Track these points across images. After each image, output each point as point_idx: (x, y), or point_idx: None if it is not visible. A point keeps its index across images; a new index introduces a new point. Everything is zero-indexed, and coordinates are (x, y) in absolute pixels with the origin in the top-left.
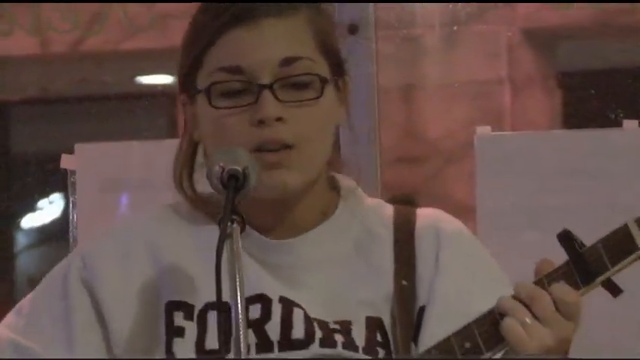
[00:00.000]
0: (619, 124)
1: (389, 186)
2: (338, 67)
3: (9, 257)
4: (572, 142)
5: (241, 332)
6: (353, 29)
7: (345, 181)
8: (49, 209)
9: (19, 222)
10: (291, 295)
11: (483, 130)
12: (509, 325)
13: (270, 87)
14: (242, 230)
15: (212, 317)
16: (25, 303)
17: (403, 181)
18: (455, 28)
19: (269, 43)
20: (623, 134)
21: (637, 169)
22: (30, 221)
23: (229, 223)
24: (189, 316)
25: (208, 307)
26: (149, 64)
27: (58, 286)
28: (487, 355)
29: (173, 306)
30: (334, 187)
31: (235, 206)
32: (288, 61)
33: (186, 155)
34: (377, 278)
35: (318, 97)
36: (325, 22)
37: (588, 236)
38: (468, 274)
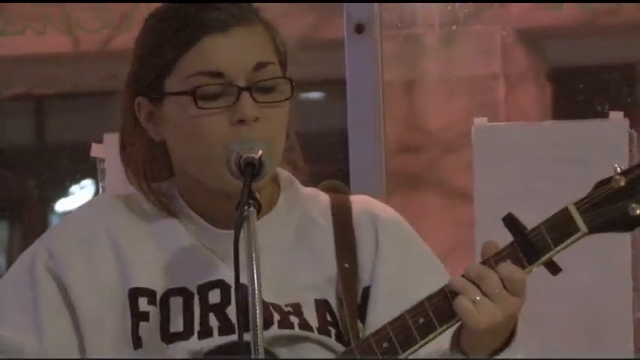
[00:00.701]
0: (605, 116)
1: (393, 174)
2: (286, 69)
3: None
4: (562, 132)
5: (257, 310)
6: (359, 29)
7: (282, 172)
8: (80, 194)
9: (53, 206)
10: (245, 281)
11: (480, 121)
12: (461, 302)
13: (248, 89)
14: (258, 212)
15: (173, 302)
16: None
17: (406, 169)
18: (453, 27)
19: (242, 49)
20: (609, 124)
21: (621, 156)
22: (63, 205)
23: (247, 207)
24: (152, 302)
25: (170, 292)
26: None
27: (25, 276)
28: (440, 328)
29: (136, 292)
30: (274, 179)
31: (252, 191)
32: (259, 66)
33: (144, 154)
34: (320, 263)
35: (288, 99)
36: (277, 33)
37: None
38: (406, 257)
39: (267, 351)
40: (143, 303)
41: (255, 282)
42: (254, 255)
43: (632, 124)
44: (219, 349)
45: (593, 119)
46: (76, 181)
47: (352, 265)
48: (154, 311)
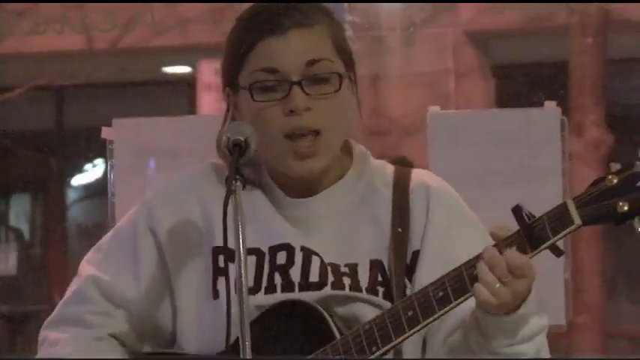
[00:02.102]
0: (541, 105)
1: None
2: (350, 63)
3: (62, 208)
4: (504, 119)
5: (242, 272)
6: None
7: (357, 147)
8: (92, 171)
9: (70, 181)
10: (309, 244)
11: (434, 109)
12: (480, 290)
13: (299, 83)
14: (243, 187)
15: (248, 260)
16: (103, 242)
17: (371, 150)
18: (411, 29)
19: (297, 48)
20: (544, 112)
21: (555, 140)
22: (78, 180)
23: (233, 181)
24: (230, 259)
25: (248, 252)
26: (172, 57)
27: (130, 229)
28: (455, 302)
29: (217, 250)
30: (349, 152)
31: (239, 168)
32: (312, 62)
33: None
34: (378, 227)
35: (337, 90)
36: (339, 30)
37: (515, 189)
38: (453, 225)
39: (312, 308)
40: (222, 260)
41: (241, 248)
42: (240, 224)
43: (563, 112)
44: (279, 307)
45: (531, 108)
46: (89, 159)
47: (405, 230)
48: (230, 268)
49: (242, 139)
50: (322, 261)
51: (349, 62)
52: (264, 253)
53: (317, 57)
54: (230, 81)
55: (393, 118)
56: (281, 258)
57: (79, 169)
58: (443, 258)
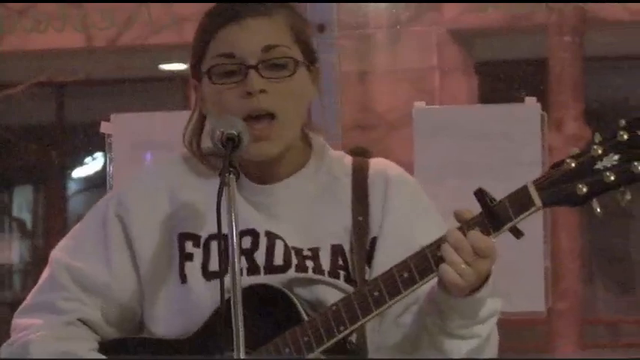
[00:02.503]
0: (522, 100)
1: (348, 146)
2: (310, 55)
3: (63, 199)
4: (487, 114)
5: (236, 255)
6: (321, 28)
7: (316, 139)
8: (92, 164)
9: (71, 173)
10: (273, 229)
11: (419, 105)
12: (446, 269)
13: (255, 67)
14: (237, 179)
15: (214, 245)
16: (74, 230)
17: (359, 143)
18: (398, 28)
19: (254, 35)
20: (525, 108)
21: (535, 134)
22: (78, 172)
23: (227, 174)
24: (196, 245)
25: (211, 237)
26: (168, 55)
27: (99, 218)
28: (420, 282)
29: (184, 236)
30: (308, 143)
31: (232, 161)
32: (268, 48)
33: (195, 124)
34: (338, 213)
35: (292, 75)
36: (298, 20)
37: (497, 182)
38: (410, 212)
39: (280, 291)
40: (189, 245)
41: (234, 235)
42: (233, 213)
43: (543, 108)
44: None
45: (512, 103)
46: (89, 153)
47: (364, 218)
48: (197, 253)
49: (235, 133)
50: (286, 245)
51: (309, 53)
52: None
53: (273, 43)
54: (194, 72)
55: (380, 113)
56: (246, 242)
57: (79, 162)
58: (400, 244)
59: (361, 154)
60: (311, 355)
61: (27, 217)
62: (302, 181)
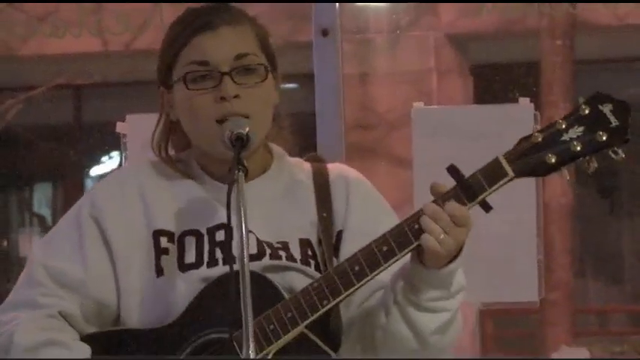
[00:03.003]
0: (515, 101)
1: (351, 146)
2: (273, 62)
3: (81, 196)
4: (482, 114)
5: (245, 250)
6: (325, 33)
7: (275, 147)
8: (108, 162)
9: (88, 171)
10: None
11: (418, 105)
12: (427, 238)
13: (229, 73)
14: (245, 176)
15: (187, 240)
16: (50, 234)
17: (361, 142)
18: (397, 32)
19: (226, 43)
20: (519, 108)
21: (527, 132)
22: (95, 170)
23: (237, 171)
24: (170, 240)
25: (184, 233)
26: None
27: (73, 220)
28: (400, 254)
29: (159, 233)
30: (269, 151)
31: (241, 159)
32: (240, 56)
33: (162, 130)
34: (304, 211)
35: (263, 80)
36: (263, 30)
37: None
38: (368, 207)
39: (261, 276)
40: (164, 241)
41: (243, 225)
42: (242, 207)
43: (536, 107)
44: (224, 277)
45: (506, 104)
46: (105, 152)
47: (329, 214)
48: (172, 247)
49: (244, 132)
50: (258, 238)
51: (272, 60)
52: (202, 234)
53: (244, 51)
54: (164, 79)
55: (380, 113)
56: (220, 236)
57: (96, 161)
58: (364, 235)
59: (315, 160)
60: (295, 330)
61: (46, 213)
62: (266, 183)
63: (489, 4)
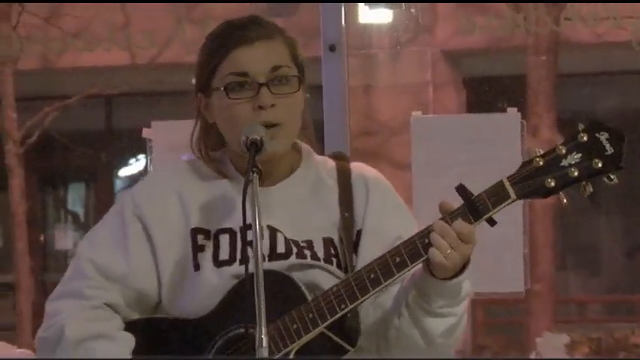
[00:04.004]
0: (504, 110)
1: (356, 151)
2: (301, 70)
3: (110, 195)
4: (474, 122)
5: (259, 246)
6: (332, 48)
7: (303, 145)
8: (135, 164)
9: (117, 172)
10: (273, 224)
11: (416, 114)
12: (434, 252)
13: (266, 84)
14: (260, 178)
15: (222, 238)
16: (96, 230)
17: (365, 148)
18: (397, 48)
19: (263, 56)
20: (507, 117)
21: (516, 139)
22: (124, 172)
23: (251, 172)
24: (207, 238)
25: (219, 231)
26: None
27: (118, 218)
28: (411, 265)
29: (196, 231)
30: (298, 150)
31: (255, 162)
32: (276, 68)
33: (201, 132)
34: (327, 211)
35: (296, 91)
36: (293, 42)
37: (482, 180)
38: (386, 208)
39: (287, 277)
40: (200, 238)
41: (257, 224)
42: (257, 206)
43: (522, 117)
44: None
45: (496, 113)
46: (132, 155)
47: (350, 214)
48: (208, 244)
49: (258, 138)
50: (285, 237)
51: (301, 70)
52: (235, 232)
53: (279, 63)
54: (203, 87)
55: (382, 121)
56: (250, 235)
57: (124, 163)
58: (381, 234)
59: (340, 159)
60: (316, 330)
61: (80, 211)
62: (293, 183)
63: (481, 24)
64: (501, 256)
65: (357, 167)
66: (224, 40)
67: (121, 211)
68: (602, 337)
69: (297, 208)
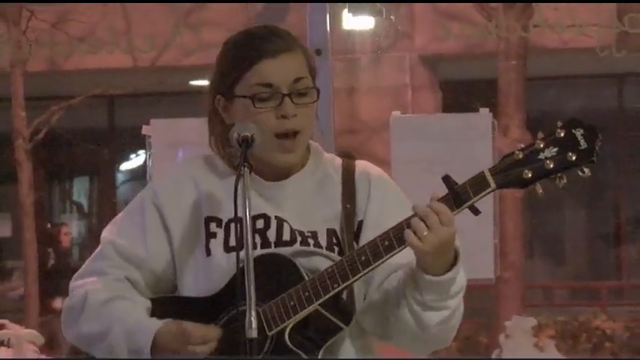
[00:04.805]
0: (477, 110)
1: (340, 147)
2: (315, 79)
3: (112, 188)
4: (448, 121)
5: (249, 231)
6: (318, 52)
7: (313, 143)
8: (135, 159)
9: (118, 167)
10: (281, 215)
11: (396, 114)
12: (408, 233)
13: (289, 95)
14: (250, 172)
15: (232, 227)
16: (118, 217)
17: (348, 144)
18: (379, 53)
19: (286, 68)
20: (480, 117)
21: (487, 137)
22: (125, 166)
23: (243, 167)
24: (219, 225)
25: (230, 220)
26: (196, 74)
27: (138, 207)
28: (399, 248)
29: (209, 219)
30: (307, 148)
31: (246, 157)
32: (297, 80)
33: (221, 132)
34: (331, 204)
35: (315, 102)
36: (310, 53)
37: (456, 175)
38: (387, 201)
39: (288, 260)
40: (213, 226)
41: (247, 217)
42: (247, 197)
43: (494, 116)
44: (260, 258)
45: (469, 113)
46: (133, 150)
47: (352, 206)
48: (219, 232)
49: (249, 135)
50: (291, 227)
51: (314, 78)
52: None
53: (300, 75)
54: (225, 91)
55: (365, 121)
56: (259, 224)
57: (125, 158)
58: (380, 225)
59: (347, 157)
60: (311, 307)
61: (84, 201)
62: (302, 178)
63: (456, 31)
64: (474, 246)
65: (362, 165)
66: (248, 51)
67: (142, 200)
68: (566, 321)
69: (304, 202)
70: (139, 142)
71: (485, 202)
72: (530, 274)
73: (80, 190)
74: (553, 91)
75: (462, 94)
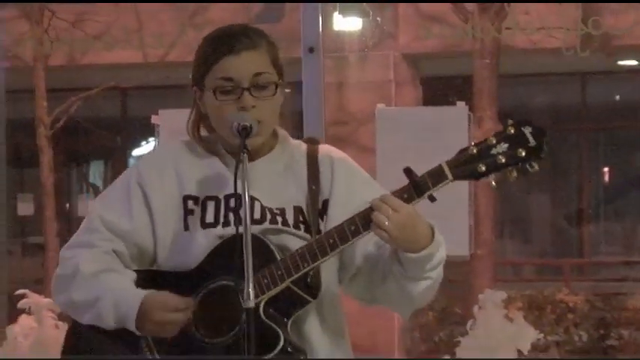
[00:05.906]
0: (454, 104)
1: (330, 138)
2: (281, 72)
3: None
4: (428, 114)
5: (247, 214)
6: (311, 50)
7: (281, 131)
8: (146, 146)
9: (130, 152)
10: (252, 194)
11: (381, 106)
12: (377, 216)
13: (248, 89)
14: (249, 160)
15: (209, 204)
16: (106, 192)
17: (337, 135)
18: (365, 51)
19: (247, 64)
20: (456, 110)
21: (463, 129)
22: (136, 152)
23: (242, 153)
24: (196, 203)
25: (206, 198)
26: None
27: (125, 184)
28: (364, 232)
29: (187, 197)
30: (275, 134)
31: (245, 144)
32: (257, 75)
33: (195, 119)
34: (298, 184)
35: (273, 95)
36: (274, 48)
37: (435, 163)
38: (350, 180)
39: (261, 239)
40: (190, 203)
41: (246, 196)
42: (245, 180)
43: (470, 110)
44: (234, 238)
45: (447, 106)
46: (143, 138)
47: (317, 187)
48: (196, 209)
49: (248, 124)
50: (262, 205)
51: (280, 71)
52: (220, 200)
53: (260, 70)
54: (198, 82)
55: (352, 113)
56: (233, 202)
57: (136, 145)
58: (345, 203)
59: (312, 142)
60: (283, 284)
61: (99, 183)
62: (271, 161)
63: (436, 32)
64: (451, 225)
65: (324, 148)
66: (216, 47)
67: (128, 178)
68: (533, 294)
69: (272, 181)
70: (148, 130)
71: (462, 188)
72: (500, 251)
73: (95, 172)
74: (523, 88)
75: (440, 89)
